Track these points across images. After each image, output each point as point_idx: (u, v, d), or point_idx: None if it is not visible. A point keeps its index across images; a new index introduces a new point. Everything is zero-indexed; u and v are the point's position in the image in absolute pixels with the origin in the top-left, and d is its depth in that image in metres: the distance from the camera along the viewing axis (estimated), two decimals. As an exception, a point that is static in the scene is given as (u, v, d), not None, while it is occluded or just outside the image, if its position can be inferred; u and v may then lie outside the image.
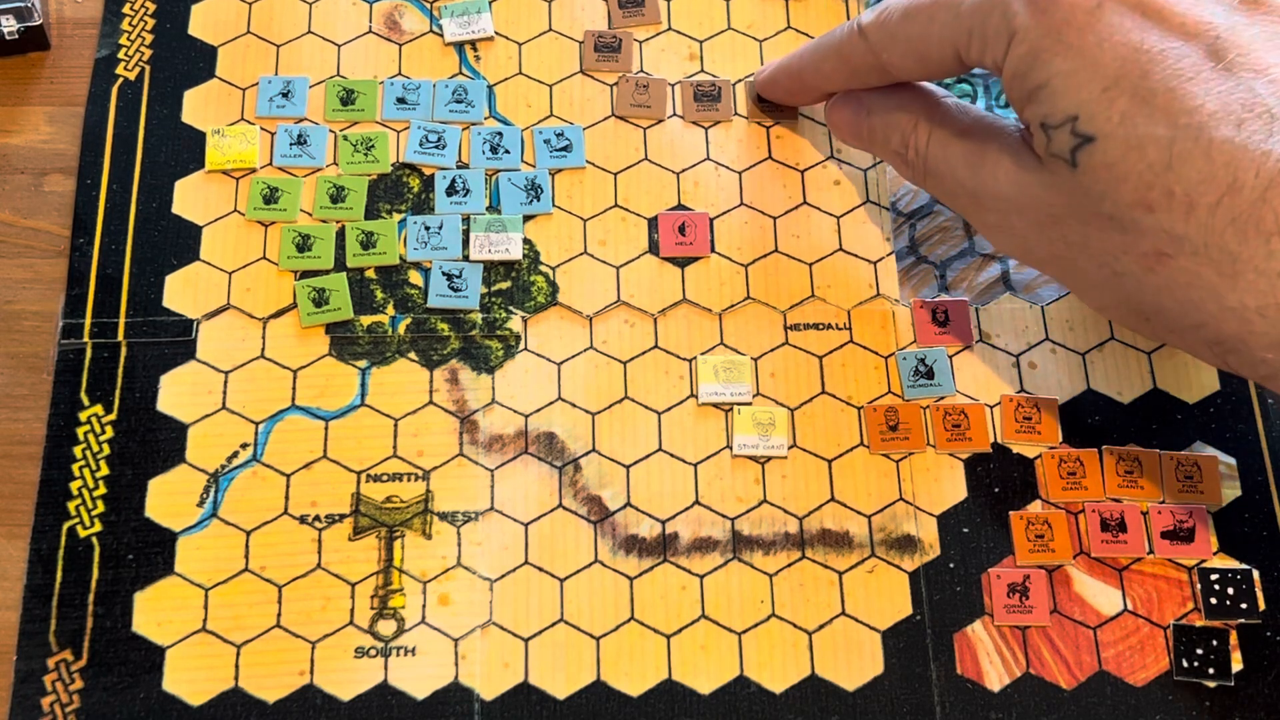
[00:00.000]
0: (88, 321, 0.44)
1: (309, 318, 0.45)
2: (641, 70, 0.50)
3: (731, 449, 0.44)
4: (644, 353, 0.45)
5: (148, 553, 0.41)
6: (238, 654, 0.40)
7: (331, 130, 0.48)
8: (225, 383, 0.44)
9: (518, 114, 0.49)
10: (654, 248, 0.47)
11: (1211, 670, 0.41)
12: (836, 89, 0.45)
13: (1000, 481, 0.43)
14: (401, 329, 0.45)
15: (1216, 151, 0.32)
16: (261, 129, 0.48)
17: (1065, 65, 0.35)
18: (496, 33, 0.50)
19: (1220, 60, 0.33)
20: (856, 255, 0.47)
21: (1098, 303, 0.39)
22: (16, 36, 0.48)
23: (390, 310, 0.45)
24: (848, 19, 0.51)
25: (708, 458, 0.43)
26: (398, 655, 0.40)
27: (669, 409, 0.44)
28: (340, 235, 0.46)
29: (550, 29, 0.50)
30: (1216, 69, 0.33)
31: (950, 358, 0.45)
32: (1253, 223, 0.32)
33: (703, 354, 0.45)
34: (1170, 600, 0.42)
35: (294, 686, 0.40)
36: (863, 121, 0.43)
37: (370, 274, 0.46)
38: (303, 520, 0.42)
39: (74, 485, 0.42)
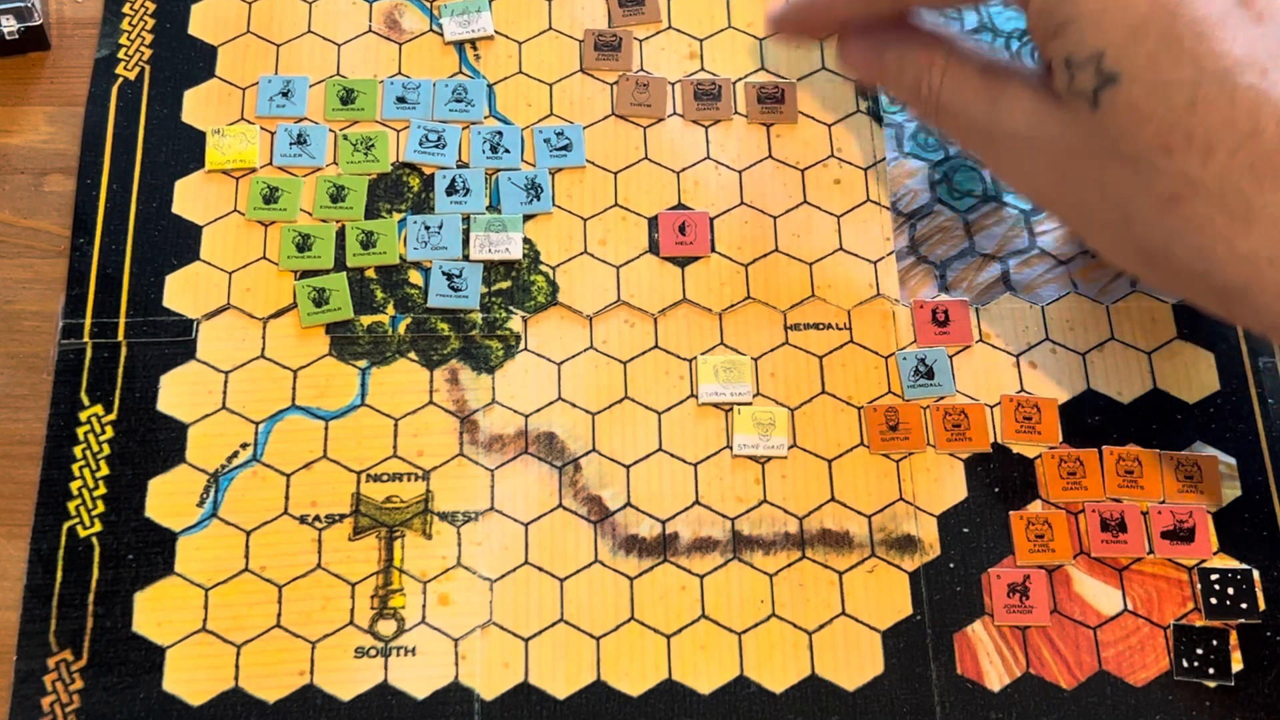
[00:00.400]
0: (88, 321, 0.44)
1: (309, 318, 0.45)
2: (642, 69, 0.50)
3: (731, 449, 0.44)
4: (644, 353, 0.45)
5: (148, 553, 0.41)
6: (238, 654, 0.40)
7: (331, 130, 0.48)
8: (225, 383, 0.44)
9: (518, 113, 0.49)
10: (654, 247, 0.47)
11: (1211, 670, 0.41)
12: (851, 16, 0.43)
13: (1000, 481, 0.43)
14: (401, 329, 0.45)
15: (1240, 97, 0.32)
16: (261, 129, 0.48)
17: (1094, 3, 0.34)
18: (496, 32, 0.50)
19: (1250, 9, 0.34)
20: (856, 255, 0.47)
21: (1105, 245, 0.38)
22: (16, 36, 0.48)
23: (390, 310, 0.45)
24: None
25: (708, 458, 0.43)
26: (398, 655, 0.40)
27: (669, 409, 0.44)
28: (340, 235, 0.46)
29: (550, 28, 0.50)
30: (1245, 16, 0.33)
31: (950, 358, 0.45)
32: (1270, 170, 0.32)
33: (703, 354, 0.45)
34: (1170, 600, 0.42)
35: (294, 686, 0.40)
36: (877, 57, 0.42)
37: (370, 274, 0.46)
38: (303, 520, 0.42)
39: (74, 485, 0.42)
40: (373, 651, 0.40)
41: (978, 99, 0.39)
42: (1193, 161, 0.33)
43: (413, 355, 0.44)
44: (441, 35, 0.50)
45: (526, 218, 0.47)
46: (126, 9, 0.50)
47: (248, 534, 0.42)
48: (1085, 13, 0.35)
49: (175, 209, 0.46)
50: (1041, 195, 0.39)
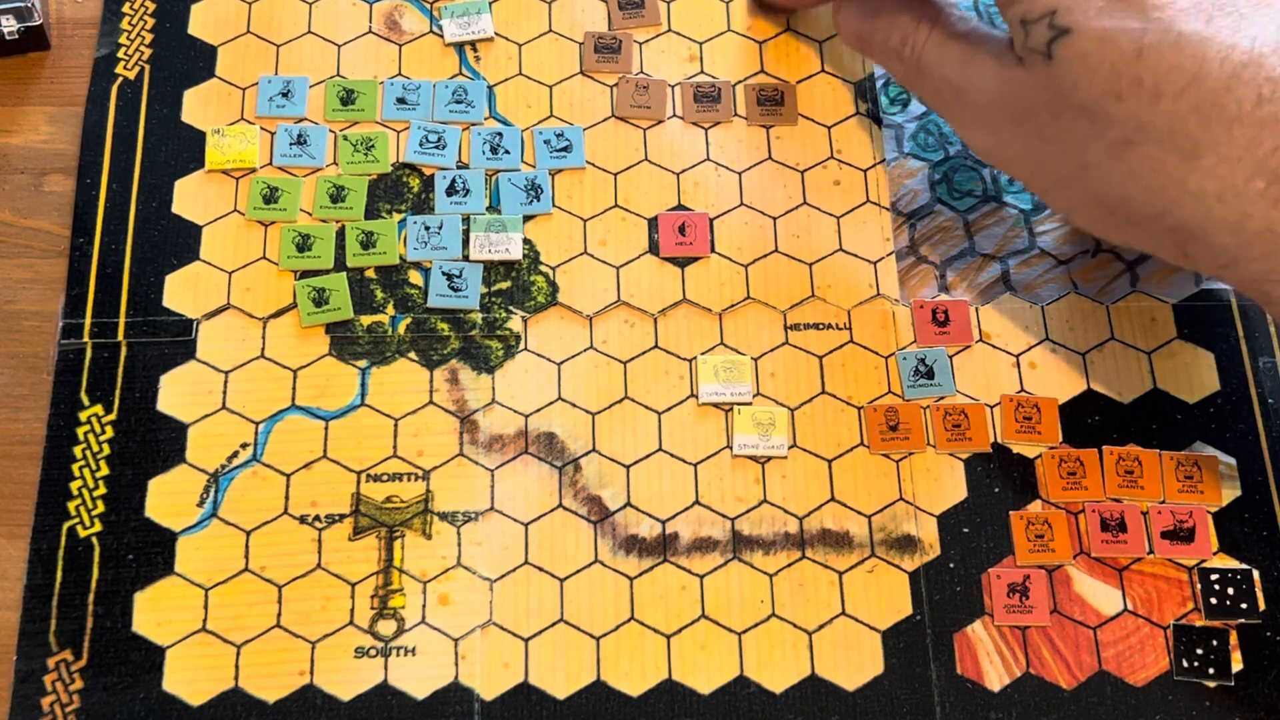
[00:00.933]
0: (88, 321, 0.44)
1: (309, 318, 0.45)
2: (641, 71, 0.50)
3: (731, 449, 0.44)
4: (644, 353, 0.45)
5: (148, 553, 0.41)
6: (238, 654, 0.40)
7: (331, 130, 0.48)
8: (225, 383, 0.44)
9: (518, 114, 0.49)
10: (654, 248, 0.47)
11: (1211, 670, 0.41)
12: None
13: (1000, 481, 0.43)
14: (401, 329, 0.45)
15: (1185, 42, 0.34)
16: (261, 129, 0.48)
17: None
18: (496, 33, 0.50)
19: None
20: (856, 255, 0.47)
21: (1066, 200, 0.40)
22: (16, 36, 0.48)
23: (390, 310, 0.45)
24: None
25: (708, 458, 0.43)
26: (398, 655, 0.40)
27: (669, 409, 0.44)
28: (340, 235, 0.46)
29: (550, 30, 0.50)
30: None
31: (950, 358, 0.45)
32: (1215, 110, 0.34)
33: (703, 354, 0.45)
34: (1170, 600, 0.42)
35: (294, 686, 0.40)
36: (867, 20, 0.45)
37: (370, 274, 0.46)
38: (303, 520, 0.42)
39: (74, 485, 0.42)
40: (373, 651, 0.40)
41: (953, 59, 0.41)
42: (1142, 105, 0.35)
43: (413, 355, 0.44)
44: (441, 36, 0.50)
45: (526, 218, 0.47)
46: (126, 9, 0.50)
47: (248, 534, 0.42)
48: None
49: (175, 209, 0.46)
50: (1004, 152, 0.41)
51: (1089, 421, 0.44)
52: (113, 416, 0.43)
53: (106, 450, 0.42)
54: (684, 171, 0.48)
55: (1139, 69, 0.34)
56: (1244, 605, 0.42)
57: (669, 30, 0.50)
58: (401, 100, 0.48)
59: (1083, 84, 0.36)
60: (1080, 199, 0.39)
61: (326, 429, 0.43)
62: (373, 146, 0.47)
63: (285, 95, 0.48)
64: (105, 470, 0.42)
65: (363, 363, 0.44)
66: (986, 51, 0.40)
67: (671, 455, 0.43)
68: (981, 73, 0.40)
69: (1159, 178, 0.35)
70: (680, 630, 0.41)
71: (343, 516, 0.42)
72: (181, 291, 0.45)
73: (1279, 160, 0.33)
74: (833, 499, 0.43)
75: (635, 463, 0.43)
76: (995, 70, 0.39)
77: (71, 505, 0.42)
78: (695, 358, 0.45)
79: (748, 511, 0.43)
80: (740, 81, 0.49)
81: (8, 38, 0.48)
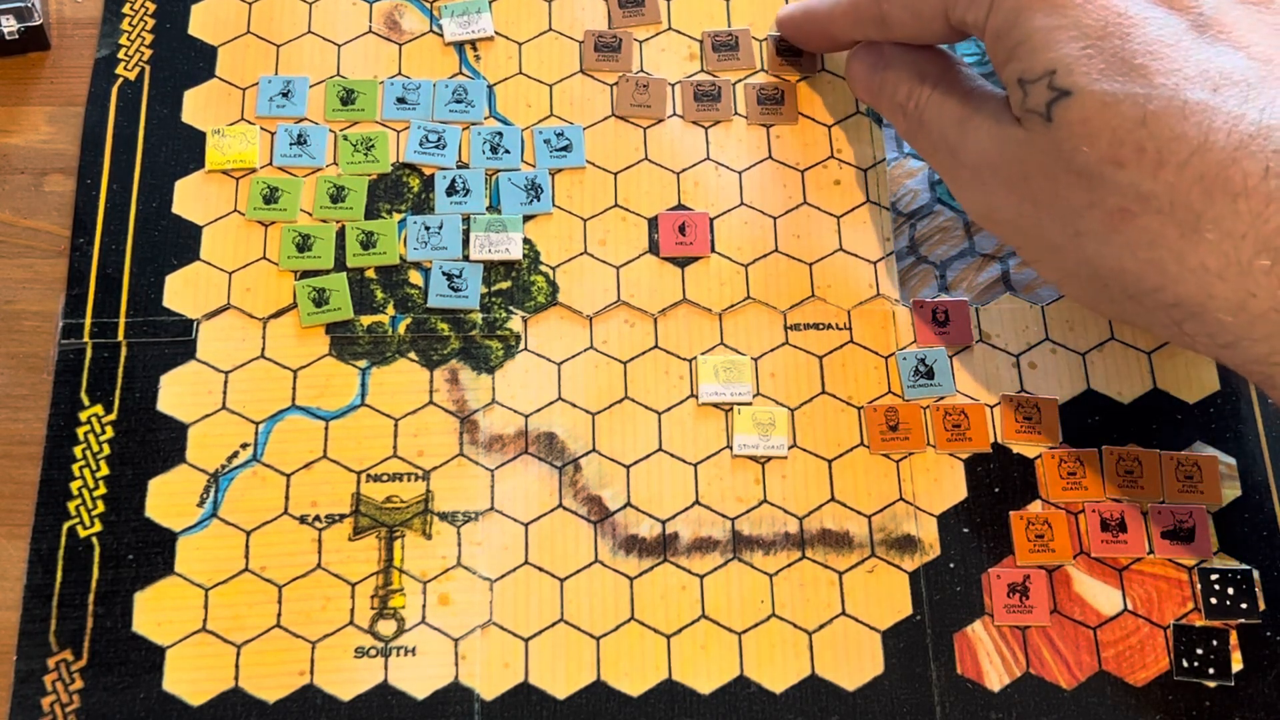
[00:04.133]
0: (88, 321, 0.44)
1: (309, 318, 0.45)
2: (641, 70, 0.50)
3: (731, 449, 0.44)
4: (644, 353, 0.45)
5: (148, 553, 0.41)
6: (238, 654, 0.40)
7: (331, 130, 0.48)
8: (225, 383, 0.44)
9: (518, 114, 0.49)
10: (654, 248, 0.47)
11: (1211, 670, 0.41)
12: (842, 36, 0.46)
13: (1000, 481, 0.43)
14: (401, 329, 0.45)
15: (1190, 111, 0.33)
16: (261, 129, 0.48)
17: (1046, 21, 0.35)
18: (496, 32, 0.50)
19: (1205, 31, 0.34)
20: (856, 255, 0.47)
21: (1057, 270, 0.38)
22: (16, 36, 0.48)
23: (390, 310, 0.45)
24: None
25: (708, 458, 0.43)
26: (398, 655, 0.40)
27: (669, 409, 0.44)
28: (340, 235, 0.46)
29: (550, 29, 0.50)
30: (1200, 39, 0.34)
31: (950, 358, 0.45)
32: (1220, 183, 0.32)
33: (703, 354, 0.45)
34: (1170, 600, 0.42)
35: (294, 686, 0.40)
36: (877, 73, 0.44)
37: (370, 274, 0.46)
38: (303, 520, 0.42)
39: (74, 485, 0.42)
40: (373, 651, 0.40)
41: (951, 117, 0.40)
42: (1143, 174, 0.33)
43: (413, 355, 0.44)
44: (441, 36, 0.50)
45: (526, 218, 0.47)
46: (126, 9, 0.50)
47: (248, 534, 0.42)
48: (1037, 31, 0.36)
49: (175, 209, 0.46)
50: (996, 215, 0.39)
51: (1089, 421, 0.44)
52: (113, 416, 0.43)
53: (106, 450, 0.42)
54: (684, 171, 0.48)
55: (1141, 136, 0.33)
56: (1244, 605, 0.42)
57: (669, 28, 0.50)
58: (401, 100, 0.48)
59: (1082, 148, 0.34)
60: (1072, 268, 0.37)
61: (326, 429, 0.43)
62: (373, 146, 0.47)
63: (285, 95, 0.48)
64: (105, 470, 0.42)
65: (363, 363, 0.44)
66: (986, 111, 0.39)
67: (671, 455, 0.43)
68: (978, 133, 0.39)
69: (1157, 251, 0.34)
70: (680, 630, 0.41)
71: (343, 516, 0.42)
72: (181, 291, 0.45)
73: None
74: (833, 499, 0.43)
75: (635, 463, 0.43)
76: (992, 130, 0.38)
77: (71, 505, 0.42)
78: (695, 358, 0.45)
79: (748, 511, 0.43)
80: (740, 80, 0.49)
81: (8, 38, 0.48)
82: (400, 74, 0.49)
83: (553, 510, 0.43)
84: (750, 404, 0.44)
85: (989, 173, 0.39)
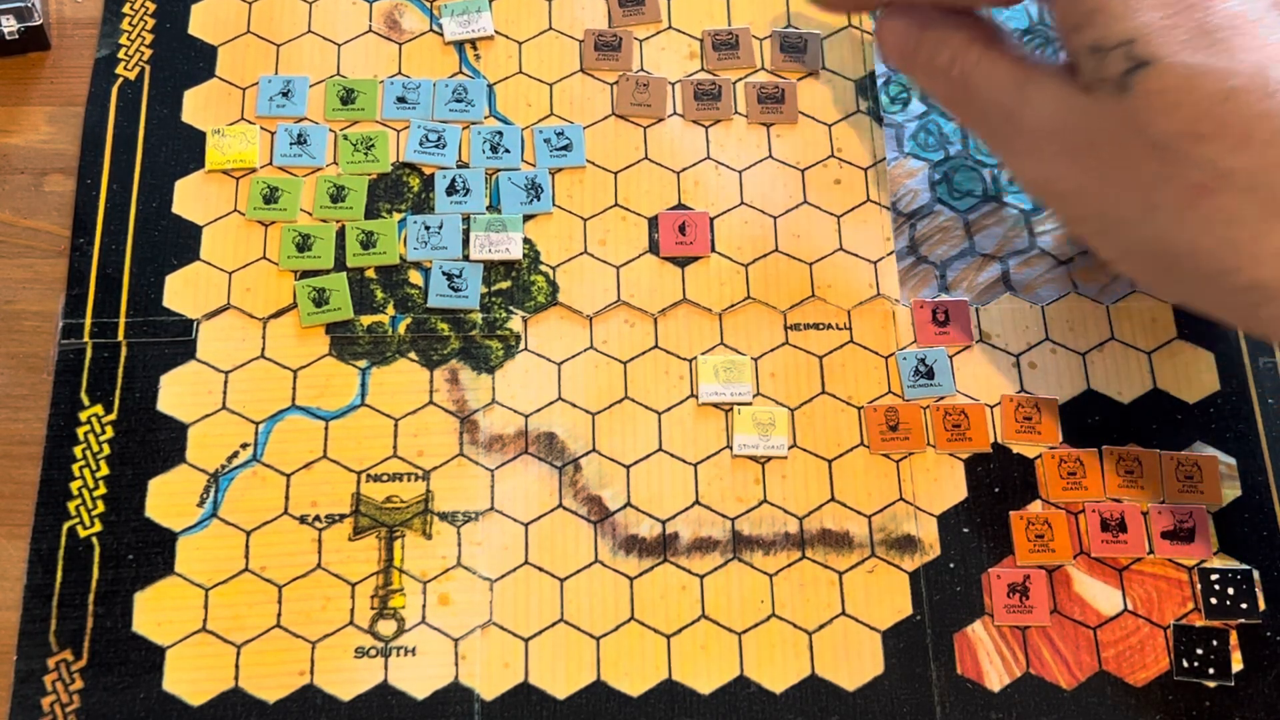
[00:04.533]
0: (88, 321, 0.44)
1: (309, 318, 0.45)
2: (642, 69, 0.50)
3: (731, 449, 0.44)
4: (644, 353, 0.45)
5: (148, 553, 0.41)
6: (238, 654, 0.40)
7: (331, 130, 0.48)
8: (225, 383, 0.44)
9: (518, 113, 0.49)
10: (654, 247, 0.47)
11: (1211, 670, 0.41)
12: None
13: (1000, 481, 0.43)
14: (401, 329, 0.45)
15: (1276, 89, 0.32)
16: (261, 129, 0.48)
17: None
18: (496, 32, 0.50)
19: None
20: (856, 255, 0.47)
21: (1118, 246, 0.37)
22: (16, 36, 0.48)
23: (390, 310, 0.45)
24: (848, 24, 0.51)
25: (708, 458, 0.43)
26: (398, 655, 0.40)
27: (669, 409, 0.44)
28: (340, 235, 0.46)
29: (550, 28, 0.50)
30: None
31: (950, 358, 0.45)
32: None
33: (703, 354, 0.45)
34: (1170, 600, 0.42)
35: (294, 686, 0.40)
36: (914, 35, 0.41)
37: (370, 274, 0.46)
38: (303, 520, 0.42)
39: (74, 485, 0.42)
40: (373, 651, 0.40)
41: (1007, 81, 0.38)
42: (1225, 150, 0.32)
43: (413, 355, 0.44)
44: (441, 35, 0.50)
45: (526, 218, 0.47)
46: (126, 9, 0.50)
47: (248, 534, 0.42)
48: (1115, 1, 0.34)
49: (175, 209, 0.46)
50: (1054, 186, 0.38)
51: (1089, 421, 0.44)
52: (113, 416, 0.43)
53: (106, 450, 0.42)
54: (684, 170, 0.48)
55: (1224, 111, 0.32)
56: (1244, 605, 0.42)
57: (669, 27, 0.50)
58: (401, 99, 0.48)
59: (1160, 121, 0.33)
60: (1137, 246, 0.36)
61: (326, 429, 0.43)
62: (373, 146, 0.47)
63: (285, 95, 0.48)
64: (105, 470, 0.42)
65: (363, 363, 0.44)
66: (1045, 74, 0.37)
67: (671, 455, 0.43)
68: (1040, 98, 0.37)
69: (1235, 230, 0.33)
70: (680, 630, 0.41)
71: (343, 516, 0.42)
72: (181, 291, 0.45)
73: None
74: (833, 499, 0.43)
75: (635, 463, 0.43)
76: (1056, 96, 0.36)
77: (71, 505, 0.42)
78: (695, 358, 0.45)
79: (748, 511, 0.43)
80: (740, 79, 0.49)
81: (8, 38, 0.47)
82: (400, 73, 0.49)
83: (553, 510, 0.43)
84: (750, 404, 0.44)
85: (1049, 140, 0.37)
